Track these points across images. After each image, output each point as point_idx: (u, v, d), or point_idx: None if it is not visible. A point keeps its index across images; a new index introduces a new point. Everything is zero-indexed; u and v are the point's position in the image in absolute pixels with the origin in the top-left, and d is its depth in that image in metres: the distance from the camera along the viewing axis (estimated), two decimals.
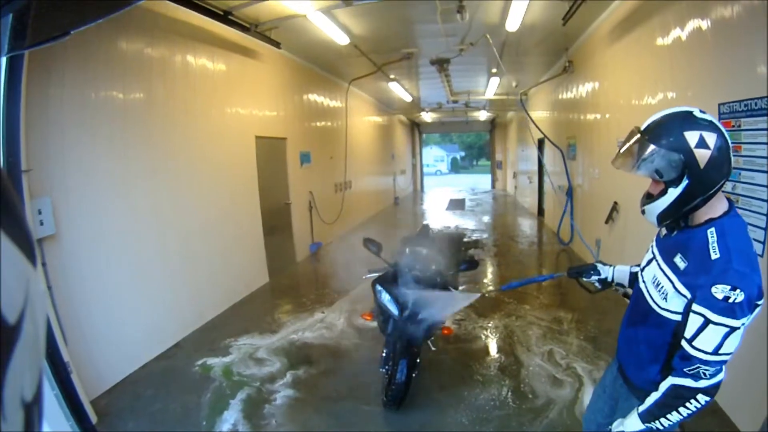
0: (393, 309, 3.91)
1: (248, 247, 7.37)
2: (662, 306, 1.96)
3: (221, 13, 5.81)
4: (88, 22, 2.05)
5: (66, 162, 4.12)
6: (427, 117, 22.38)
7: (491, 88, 12.75)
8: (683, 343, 1.80)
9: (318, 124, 10.72)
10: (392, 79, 11.57)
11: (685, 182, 1.79)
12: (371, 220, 14.81)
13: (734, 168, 3.54)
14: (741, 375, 3.54)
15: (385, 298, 3.97)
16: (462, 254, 5.75)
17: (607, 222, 6.93)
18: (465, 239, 11.08)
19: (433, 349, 4.39)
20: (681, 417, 1.86)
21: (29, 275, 0.49)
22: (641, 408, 1.95)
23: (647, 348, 2.07)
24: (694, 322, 1.77)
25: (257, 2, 5.73)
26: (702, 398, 1.81)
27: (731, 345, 1.72)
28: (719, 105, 3.75)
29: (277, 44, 7.30)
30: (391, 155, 19.76)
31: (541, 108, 12.71)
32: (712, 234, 1.81)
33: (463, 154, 54.21)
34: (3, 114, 3.16)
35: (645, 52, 5.49)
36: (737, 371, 3.59)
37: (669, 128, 1.81)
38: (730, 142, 1.76)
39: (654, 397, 1.91)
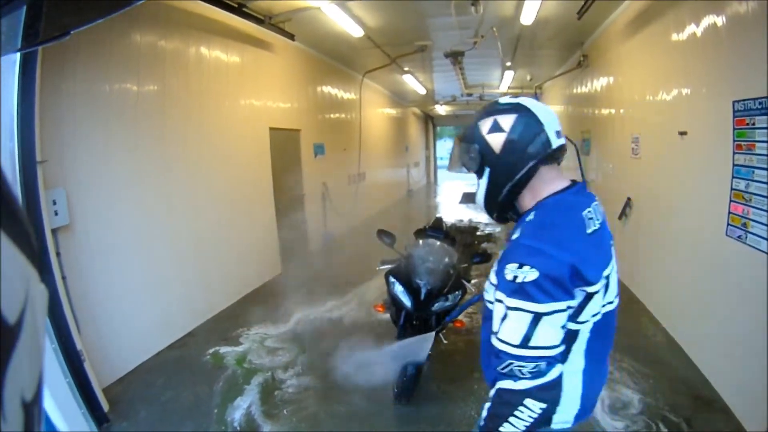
0: (406, 300, 3.93)
1: (261, 238, 7.41)
2: (487, 298, 1.76)
3: (235, 5, 5.82)
4: (88, 22, 2.06)
5: (80, 154, 4.17)
6: (441, 110, 22.29)
7: (505, 81, 12.67)
8: (491, 337, 1.56)
9: (332, 115, 10.73)
10: (406, 72, 11.53)
11: (486, 171, 1.64)
12: (384, 211, 14.80)
13: (747, 166, 3.54)
14: (747, 372, 3.54)
15: (398, 289, 3.99)
16: (475, 247, 5.75)
17: (620, 218, 6.87)
18: (478, 233, 11.07)
19: (444, 342, 4.41)
20: (517, 429, 1.52)
21: (29, 275, 0.49)
22: (480, 420, 1.66)
23: (485, 344, 1.72)
24: (497, 312, 1.54)
25: None
26: (533, 404, 1.50)
27: (545, 336, 1.44)
28: (734, 102, 3.71)
29: (291, 36, 7.29)
30: (404, 147, 19.74)
31: (556, 102, 12.60)
32: (529, 216, 1.63)
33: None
34: (17, 107, 3.21)
35: (660, 48, 5.42)
36: (744, 368, 3.59)
37: (472, 121, 1.68)
38: (540, 120, 1.57)
39: (486, 406, 1.63)
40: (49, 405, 3.15)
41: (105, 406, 3.86)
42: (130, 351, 4.68)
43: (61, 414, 3.28)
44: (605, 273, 1.56)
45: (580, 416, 1.66)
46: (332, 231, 10.08)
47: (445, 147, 46.80)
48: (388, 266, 4.28)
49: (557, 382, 1.51)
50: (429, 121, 27.43)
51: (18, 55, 3.11)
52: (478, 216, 13.79)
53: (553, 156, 1.62)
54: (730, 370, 3.87)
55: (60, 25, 2.05)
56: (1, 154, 3.16)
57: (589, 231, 1.54)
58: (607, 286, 1.58)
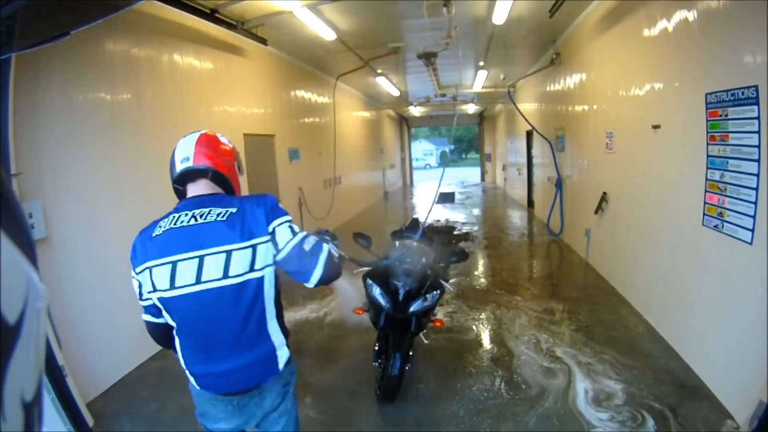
0: (384, 302, 3.92)
1: None
2: None
3: (208, 11, 5.79)
4: (88, 22, 2.03)
5: (56, 165, 4.11)
6: (415, 111, 22.39)
7: (479, 80, 12.76)
8: None
9: (306, 120, 10.72)
10: (380, 74, 11.57)
11: None
12: (361, 215, 14.83)
13: (721, 157, 3.63)
14: (731, 358, 3.62)
15: (376, 291, 3.98)
16: (452, 247, 5.77)
17: (596, 212, 6.98)
18: (455, 232, 11.12)
19: (425, 342, 4.42)
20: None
21: (29, 275, 0.49)
22: None
23: None
24: None
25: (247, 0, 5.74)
26: None
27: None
28: (706, 95, 3.80)
29: (263, 41, 7.28)
30: (380, 150, 19.77)
31: (529, 100, 12.77)
32: None
33: (452, 147, 54.31)
34: None
35: (632, 44, 5.53)
36: (727, 355, 3.67)
37: None
38: (174, 153, 2.12)
39: None
40: None
41: (90, 420, 3.79)
42: (113, 364, 4.63)
43: (44, 430, 3.20)
44: (157, 262, 1.94)
45: (200, 384, 2.07)
46: (326, 228, 9.95)
47: (420, 148, 47.22)
48: (366, 269, 4.27)
49: (147, 324, 2.14)
50: (403, 122, 27.51)
51: None
52: (455, 215, 13.89)
53: (184, 178, 2.10)
54: (714, 358, 3.94)
55: (60, 25, 2.02)
56: None
57: (153, 234, 1.98)
58: (172, 276, 1.92)
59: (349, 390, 4.30)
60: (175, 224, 1.95)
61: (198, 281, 1.90)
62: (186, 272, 1.91)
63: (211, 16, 5.88)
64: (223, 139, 2.19)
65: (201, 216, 1.95)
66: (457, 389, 4.21)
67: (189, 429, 3.83)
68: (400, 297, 3.93)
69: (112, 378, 4.57)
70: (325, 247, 2.04)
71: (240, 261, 1.91)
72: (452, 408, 3.95)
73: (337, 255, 2.12)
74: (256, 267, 1.94)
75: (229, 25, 6.35)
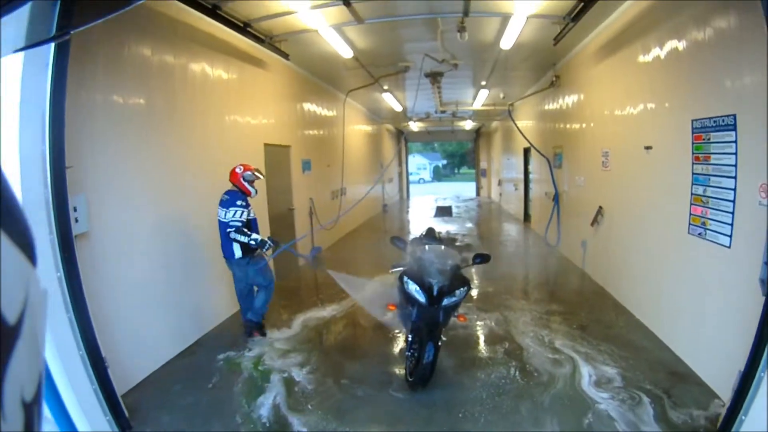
0: (421, 297, 4.38)
1: None
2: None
3: (241, 24, 6.15)
4: (88, 23, 2.18)
5: (96, 161, 4.30)
6: (414, 126, 22.64)
7: (479, 99, 13.22)
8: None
9: (317, 132, 11.05)
10: (386, 90, 11.95)
11: None
12: (363, 227, 15.16)
13: (704, 174, 4.25)
14: (718, 352, 4.16)
15: (413, 288, 4.43)
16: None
17: (592, 224, 7.48)
18: (457, 243, 11.54)
19: (443, 338, 4.85)
20: None
21: (29, 275, 0.50)
22: None
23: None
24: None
25: (279, 17, 6.13)
26: None
27: None
28: (692, 121, 4.43)
29: (285, 55, 7.60)
30: (380, 164, 20.04)
31: (527, 118, 13.22)
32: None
33: (444, 162, 54.40)
34: (50, 107, 3.18)
35: (630, 71, 6.08)
36: (714, 346, 4.25)
37: None
38: None
39: None
40: (75, 412, 3.22)
41: (125, 413, 3.85)
42: (142, 360, 4.75)
43: (87, 421, 3.30)
44: (217, 209, 5.57)
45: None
46: (318, 245, 10.00)
47: (414, 163, 47.44)
48: (401, 269, 4.72)
49: None
50: (402, 137, 27.81)
51: (51, 57, 3.10)
52: (454, 229, 14.25)
53: None
54: (702, 349, 4.48)
55: (60, 25, 2.17)
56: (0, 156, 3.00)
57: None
58: (218, 213, 5.62)
59: (380, 380, 4.71)
60: (221, 198, 5.46)
61: (219, 217, 5.43)
62: (219, 213, 5.43)
63: (244, 29, 6.24)
64: (236, 169, 5.49)
65: (223, 197, 5.46)
66: (477, 377, 4.69)
67: (229, 420, 4.08)
68: (435, 292, 4.39)
69: (142, 373, 4.69)
70: (231, 225, 5.30)
71: (224, 214, 5.36)
72: (475, 392, 4.42)
73: (249, 240, 5.35)
74: (226, 218, 5.33)
75: (258, 39, 6.68)
